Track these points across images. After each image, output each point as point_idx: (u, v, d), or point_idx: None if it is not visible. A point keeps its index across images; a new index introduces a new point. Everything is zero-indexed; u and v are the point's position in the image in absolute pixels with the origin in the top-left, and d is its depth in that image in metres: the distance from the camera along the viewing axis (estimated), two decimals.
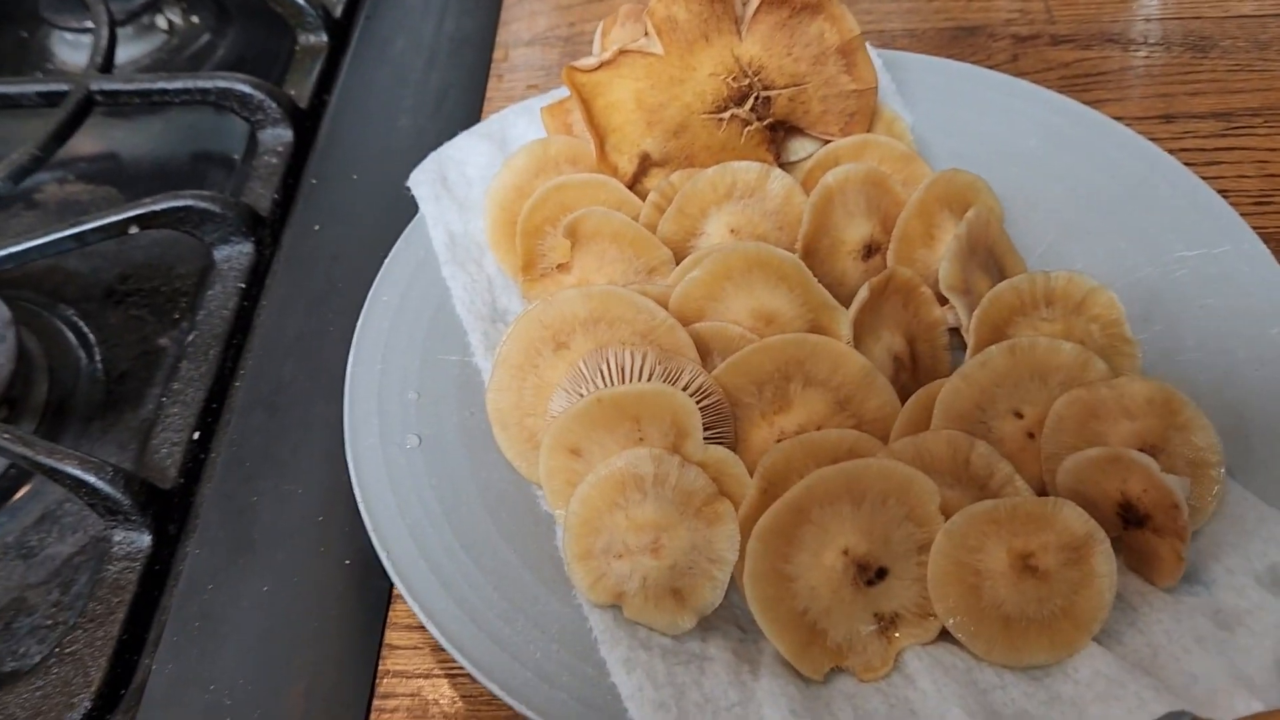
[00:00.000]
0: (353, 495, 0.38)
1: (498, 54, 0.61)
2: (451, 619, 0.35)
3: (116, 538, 0.42)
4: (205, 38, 0.68)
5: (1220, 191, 0.45)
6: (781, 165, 0.47)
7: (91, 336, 0.52)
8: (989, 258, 0.43)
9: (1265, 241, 0.43)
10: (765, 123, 0.46)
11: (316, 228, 0.52)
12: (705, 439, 0.38)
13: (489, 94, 0.59)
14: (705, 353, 0.40)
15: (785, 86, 0.45)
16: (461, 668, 0.35)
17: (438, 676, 0.38)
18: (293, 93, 0.59)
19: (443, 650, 0.36)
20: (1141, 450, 0.36)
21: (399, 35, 0.62)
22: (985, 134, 0.49)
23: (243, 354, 0.48)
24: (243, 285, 0.50)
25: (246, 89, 0.55)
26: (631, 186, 0.46)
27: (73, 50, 0.67)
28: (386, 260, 0.45)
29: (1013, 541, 0.35)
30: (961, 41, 0.59)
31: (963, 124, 0.50)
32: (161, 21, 0.69)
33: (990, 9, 0.61)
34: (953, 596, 0.35)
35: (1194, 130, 0.53)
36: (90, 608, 0.40)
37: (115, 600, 0.40)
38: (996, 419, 0.38)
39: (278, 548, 0.41)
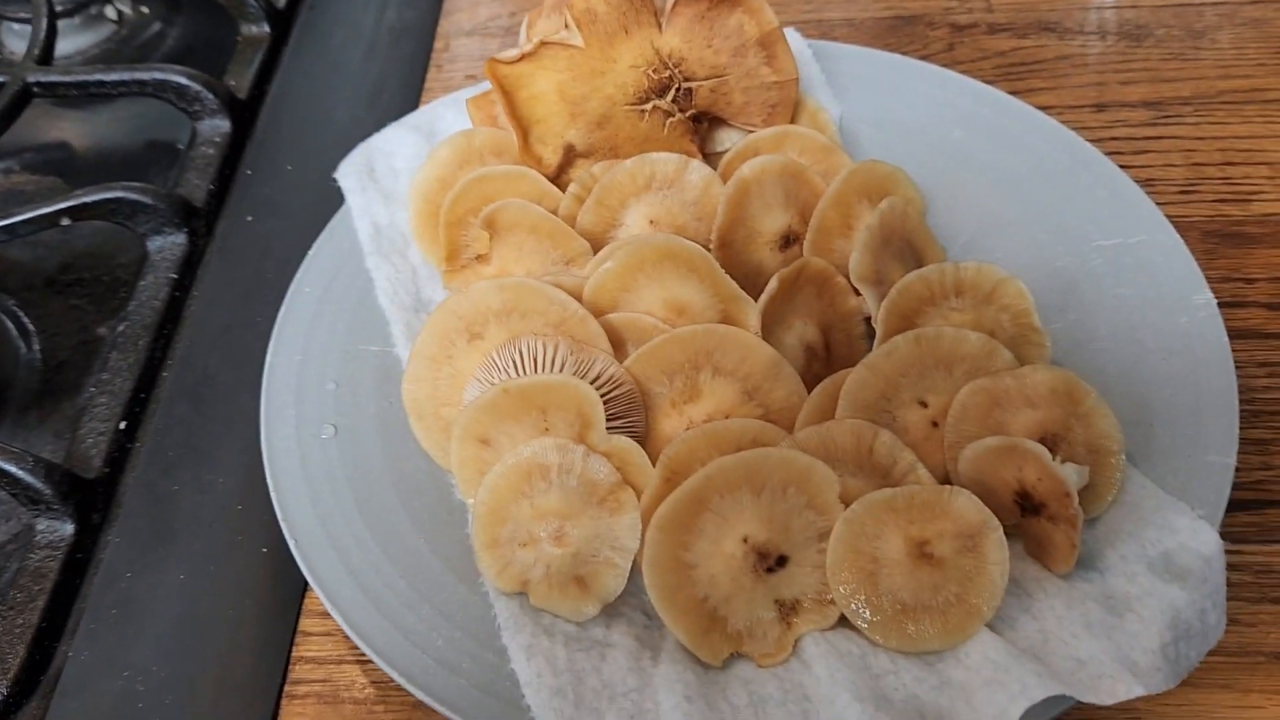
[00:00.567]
0: None
1: (439, 44, 0.61)
2: (355, 606, 0.36)
3: (40, 526, 0.42)
4: (155, 28, 0.68)
5: (1147, 180, 0.46)
6: (707, 156, 0.47)
7: (31, 326, 0.52)
8: (906, 248, 0.44)
9: (1188, 230, 0.43)
10: (688, 114, 0.46)
11: (249, 219, 0.53)
12: (616, 429, 0.38)
13: (428, 84, 0.59)
14: (619, 343, 0.40)
15: (706, 78, 0.46)
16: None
17: (349, 663, 0.38)
18: (232, 84, 0.59)
19: None
20: (1044, 439, 0.37)
21: (340, 26, 0.62)
22: (912, 125, 0.50)
23: (172, 344, 0.48)
24: (174, 276, 0.50)
25: (183, 80, 0.55)
26: (557, 178, 0.46)
27: (20, 40, 0.67)
28: (310, 252, 0.46)
29: (910, 529, 0.35)
30: (899, 30, 0.59)
31: (890, 115, 0.50)
32: (110, 12, 0.69)
33: None
34: (850, 583, 0.35)
35: (1124, 119, 0.53)
36: (11, 595, 0.41)
37: (36, 588, 0.41)
38: (901, 408, 0.39)
39: (196, 536, 0.41)
